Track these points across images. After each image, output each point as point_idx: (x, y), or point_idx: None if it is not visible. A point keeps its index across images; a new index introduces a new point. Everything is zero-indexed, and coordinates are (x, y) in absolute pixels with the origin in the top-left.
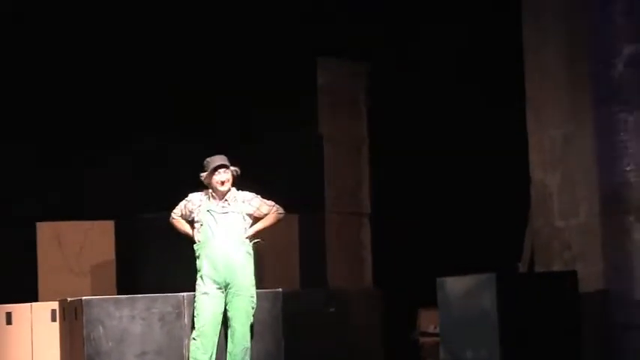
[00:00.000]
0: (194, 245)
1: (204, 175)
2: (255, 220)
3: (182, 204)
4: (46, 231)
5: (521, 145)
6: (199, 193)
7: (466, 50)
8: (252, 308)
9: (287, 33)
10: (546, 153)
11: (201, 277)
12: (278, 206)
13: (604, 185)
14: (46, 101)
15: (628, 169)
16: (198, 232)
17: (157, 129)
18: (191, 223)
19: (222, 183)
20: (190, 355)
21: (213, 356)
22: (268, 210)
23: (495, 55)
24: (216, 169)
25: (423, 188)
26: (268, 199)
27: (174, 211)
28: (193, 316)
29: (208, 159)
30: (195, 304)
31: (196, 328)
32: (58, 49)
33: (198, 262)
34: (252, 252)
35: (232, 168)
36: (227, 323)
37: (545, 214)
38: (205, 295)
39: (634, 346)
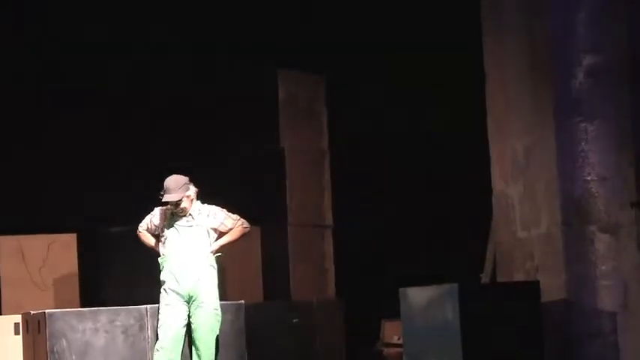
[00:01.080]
0: (159, 258)
1: (161, 196)
2: (220, 234)
3: (148, 218)
4: (8, 244)
5: (482, 156)
6: (161, 208)
7: (425, 60)
8: (218, 321)
9: (248, 44)
10: (508, 164)
11: (164, 289)
12: (243, 220)
13: (566, 195)
14: (7, 114)
15: (589, 178)
16: (163, 245)
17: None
18: (157, 236)
19: (176, 207)
20: None
21: None
22: (233, 224)
23: (455, 63)
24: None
25: (385, 199)
26: (233, 213)
27: (140, 224)
28: (157, 327)
29: (165, 184)
30: (158, 315)
31: (160, 339)
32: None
33: (162, 274)
34: (215, 266)
35: (188, 194)
36: (192, 335)
37: (507, 224)
38: (168, 307)
39: (596, 354)
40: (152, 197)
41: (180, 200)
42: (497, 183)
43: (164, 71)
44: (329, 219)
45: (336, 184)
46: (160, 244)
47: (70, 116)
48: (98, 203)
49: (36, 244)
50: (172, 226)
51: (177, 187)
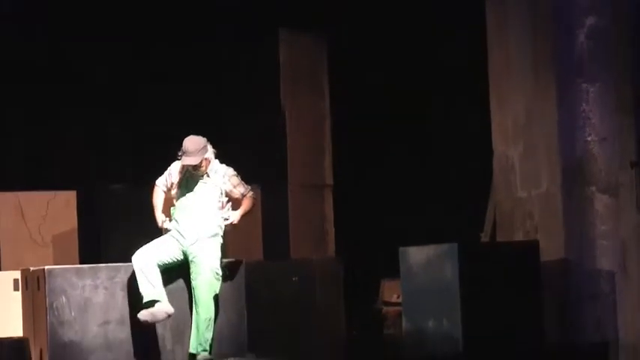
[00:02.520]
0: (171, 208)
1: (180, 156)
2: (229, 198)
3: (165, 174)
4: (8, 201)
5: (484, 116)
6: (178, 162)
7: (427, 23)
8: (217, 281)
9: (248, 6)
10: (509, 125)
11: (170, 236)
12: (252, 191)
13: (566, 156)
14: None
15: (589, 139)
16: (175, 198)
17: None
18: (169, 192)
19: (195, 169)
20: (138, 277)
21: (159, 278)
22: (244, 191)
23: (457, 27)
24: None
25: (385, 160)
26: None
27: (158, 179)
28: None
29: (184, 145)
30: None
31: (146, 248)
32: None
33: (170, 224)
34: (222, 227)
35: (206, 157)
36: (192, 294)
37: (508, 185)
38: (169, 236)
39: (594, 314)
40: (152, 156)
41: (200, 164)
42: (498, 143)
43: (164, 33)
44: (329, 179)
45: (337, 144)
46: (174, 197)
47: (70, 75)
48: (98, 160)
49: (35, 201)
50: (187, 180)
51: (196, 149)
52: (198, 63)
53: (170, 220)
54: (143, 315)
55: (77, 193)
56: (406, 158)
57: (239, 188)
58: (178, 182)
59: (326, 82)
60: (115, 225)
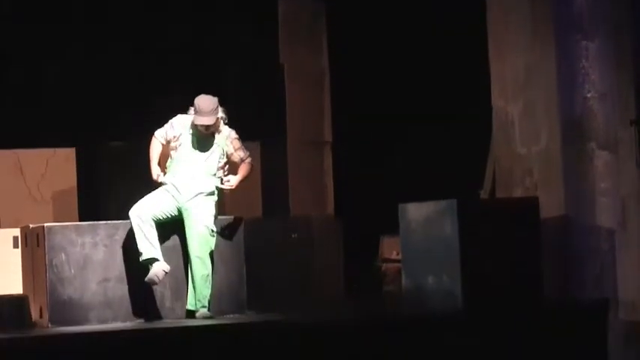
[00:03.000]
0: (167, 162)
1: (191, 113)
2: (228, 161)
3: (167, 126)
4: (7, 159)
5: (483, 72)
6: (183, 117)
7: None
8: (212, 237)
9: None
10: (508, 81)
11: (164, 189)
12: (250, 157)
13: (565, 112)
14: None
15: (589, 96)
16: (176, 150)
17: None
18: (167, 146)
19: (207, 130)
20: (137, 235)
21: (155, 233)
22: (244, 156)
23: None
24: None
25: (384, 116)
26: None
27: (157, 131)
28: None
29: (197, 103)
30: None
31: (142, 205)
32: None
33: (165, 177)
34: (218, 186)
35: (220, 116)
36: (187, 251)
37: (507, 141)
38: (165, 191)
39: (594, 271)
40: (152, 113)
41: (213, 124)
42: (497, 100)
43: None
44: (328, 135)
45: (336, 101)
46: (172, 150)
47: (71, 32)
48: (98, 118)
49: (35, 158)
50: (191, 137)
51: (210, 110)
52: (197, 19)
53: (165, 174)
54: (149, 279)
55: (76, 150)
56: (405, 114)
57: (239, 152)
58: (181, 137)
59: (325, 37)
60: (115, 182)
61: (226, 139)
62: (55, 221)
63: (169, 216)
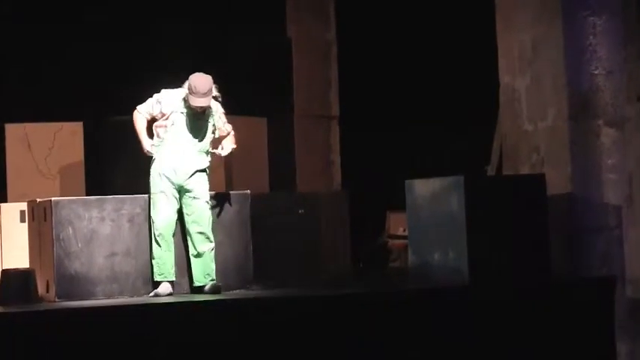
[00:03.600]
0: (155, 140)
1: (186, 91)
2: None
3: (151, 102)
4: (14, 132)
5: (489, 48)
6: (172, 93)
7: None
8: (210, 210)
9: None
10: (515, 57)
11: (159, 174)
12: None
13: (572, 89)
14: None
15: (596, 72)
16: (166, 130)
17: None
18: (152, 121)
19: (198, 110)
20: (153, 254)
21: (173, 252)
22: (228, 131)
23: None
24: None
25: (391, 91)
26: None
27: (140, 106)
28: (152, 215)
29: (193, 83)
30: (151, 201)
31: (156, 228)
32: None
33: (156, 156)
34: (214, 152)
35: (214, 94)
36: (185, 228)
37: (514, 117)
38: (163, 194)
39: (601, 248)
40: (160, 87)
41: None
42: (504, 76)
43: None
44: (335, 110)
45: (343, 75)
46: (161, 127)
47: (78, 11)
48: (105, 91)
49: (42, 132)
50: (184, 114)
51: (207, 90)
52: None
53: (154, 154)
54: (156, 293)
55: (84, 124)
56: (413, 90)
57: (227, 126)
58: (172, 115)
59: (332, 10)
60: (122, 157)
61: (215, 114)
62: (62, 195)
63: (178, 209)
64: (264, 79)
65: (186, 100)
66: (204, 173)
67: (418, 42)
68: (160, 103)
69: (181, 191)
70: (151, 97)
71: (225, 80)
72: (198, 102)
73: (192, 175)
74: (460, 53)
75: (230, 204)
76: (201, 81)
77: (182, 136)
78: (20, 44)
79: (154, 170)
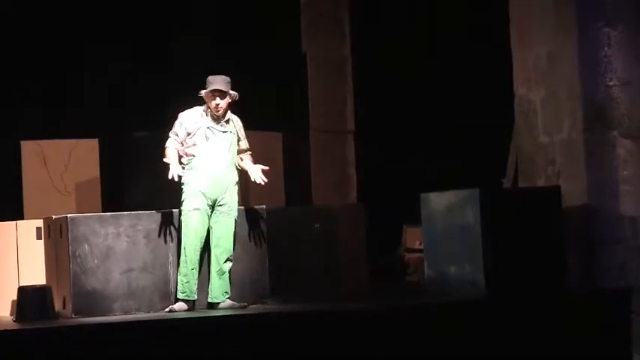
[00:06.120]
0: (184, 159)
1: (203, 92)
2: None
3: (176, 126)
4: (31, 149)
5: (505, 60)
6: (191, 111)
7: None
8: (235, 226)
9: None
10: (530, 68)
11: (193, 191)
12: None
13: (588, 101)
14: (27, 17)
15: (611, 84)
16: (193, 147)
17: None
18: (181, 144)
19: (216, 107)
20: (180, 270)
21: (198, 271)
22: (248, 146)
23: None
24: (213, 91)
25: (407, 105)
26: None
27: (172, 131)
28: (183, 232)
29: (210, 77)
30: (182, 219)
31: (186, 244)
32: None
33: (189, 176)
34: (256, 181)
35: (232, 93)
36: (210, 242)
37: (529, 129)
38: (197, 211)
39: (617, 260)
40: (174, 101)
41: (226, 94)
42: (520, 88)
43: None
44: (351, 124)
45: (358, 89)
46: (188, 147)
47: (96, 21)
48: (121, 108)
49: (58, 149)
50: (208, 128)
51: (224, 82)
52: (220, 8)
53: (187, 171)
54: (171, 309)
55: (99, 141)
56: (428, 103)
57: (246, 141)
58: (196, 134)
59: (347, 25)
60: (138, 173)
61: (235, 126)
62: (78, 212)
63: (208, 222)
64: (279, 94)
65: (206, 114)
66: (236, 188)
67: (433, 55)
68: (182, 124)
69: (214, 206)
70: (174, 117)
71: (242, 95)
72: (216, 86)
73: (227, 188)
74: (475, 65)
75: (246, 219)
76: (214, 76)
77: (211, 150)
78: (36, 62)
79: (188, 187)
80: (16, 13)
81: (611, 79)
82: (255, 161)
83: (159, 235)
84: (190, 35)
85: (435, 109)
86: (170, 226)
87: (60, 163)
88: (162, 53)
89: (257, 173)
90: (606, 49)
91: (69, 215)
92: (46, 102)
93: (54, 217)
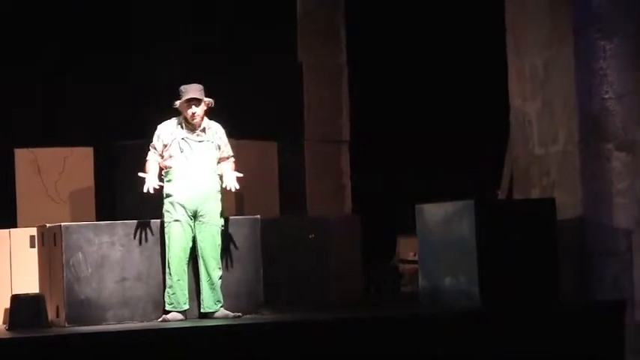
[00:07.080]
0: (163, 171)
1: (177, 103)
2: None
3: (154, 139)
4: (24, 157)
5: (500, 72)
6: (167, 123)
7: None
8: (220, 236)
9: None
10: (526, 80)
11: (171, 203)
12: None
13: (583, 113)
14: (20, 26)
15: (607, 96)
16: (170, 159)
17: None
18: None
19: (193, 116)
20: (166, 282)
21: (186, 281)
22: (231, 152)
23: None
24: (188, 100)
25: (403, 116)
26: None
27: (152, 145)
28: (167, 244)
29: (183, 87)
30: (165, 231)
31: (169, 256)
32: None
33: (168, 187)
34: (227, 188)
35: (207, 100)
36: (197, 253)
37: (525, 141)
38: (178, 223)
39: (611, 272)
40: (169, 112)
41: (201, 101)
42: (515, 99)
43: None
44: (346, 134)
45: (354, 99)
46: (166, 160)
47: (87, 29)
48: (115, 117)
49: (52, 157)
50: (182, 139)
51: (198, 90)
52: (214, 16)
53: (166, 183)
54: (164, 319)
55: (94, 149)
56: (424, 113)
57: (227, 148)
58: (170, 143)
59: (343, 34)
60: (132, 181)
61: (215, 134)
62: (72, 220)
63: (192, 233)
64: (274, 103)
65: (182, 126)
66: (218, 196)
67: (429, 66)
68: (159, 136)
69: (196, 217)
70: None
71: (236, 104)
72: (191, 95)
73: (206, 198)
74: (471, 77)
75: (240, 228)
76: (188, 85)
77: (188, 161)
78: (30, 69)
79: (167, 200)
80: (9, 21)
81: (606, 92)
82: (250, 170)
83: (153, 245)
84: (183, 43)
85: (431, 120)
86: (165, 235)
87: (54, 171)
88: (155, 62)
89: (231, 180)
90: (602, 61)
91: (63, 224)
92: (40, 109)
93: (48, 225)
